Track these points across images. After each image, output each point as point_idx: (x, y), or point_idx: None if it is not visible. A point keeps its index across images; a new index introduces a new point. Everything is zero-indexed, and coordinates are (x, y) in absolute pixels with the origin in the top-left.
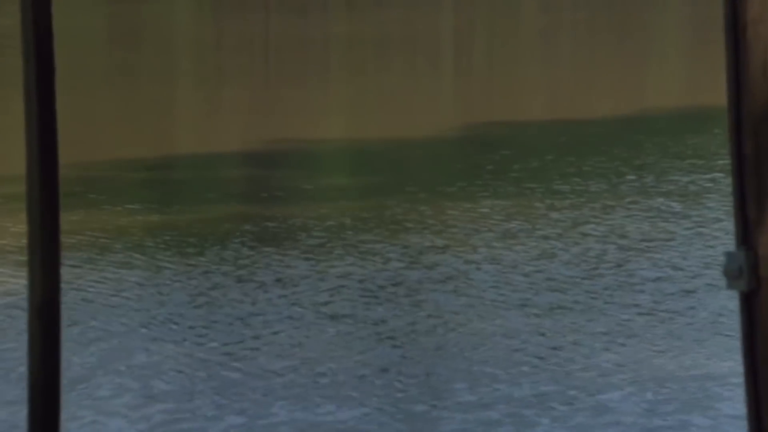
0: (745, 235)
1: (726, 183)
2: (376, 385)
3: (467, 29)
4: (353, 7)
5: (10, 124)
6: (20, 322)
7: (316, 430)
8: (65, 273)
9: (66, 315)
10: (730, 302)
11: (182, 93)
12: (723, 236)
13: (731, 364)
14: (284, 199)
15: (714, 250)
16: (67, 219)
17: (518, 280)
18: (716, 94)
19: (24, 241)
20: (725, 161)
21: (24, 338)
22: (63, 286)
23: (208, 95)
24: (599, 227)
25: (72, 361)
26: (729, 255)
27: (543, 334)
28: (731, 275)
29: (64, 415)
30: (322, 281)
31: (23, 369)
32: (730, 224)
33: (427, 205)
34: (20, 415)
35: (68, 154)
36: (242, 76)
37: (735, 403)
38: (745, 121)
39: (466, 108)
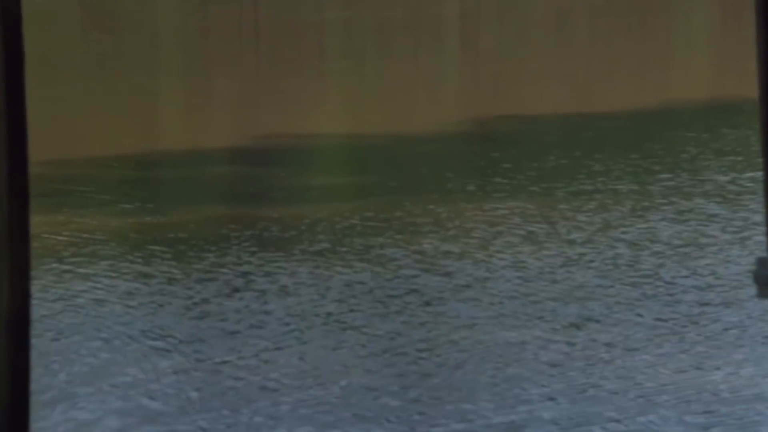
0: None
1: None
2: (388, 405)
3: (475, 14)
4: None
5: None
6: None
7: None
8: (37, 280)
9: (39, 326)
10: None
11: (166, 85)
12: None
13: None
14: (278, 199)
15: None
16: (39, 222)
17: (542, 288)
18: (748, 84)
19: None
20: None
21: None
22: (34, 294)
23: (195, 87)
24: (629, 231)
25: (46, 376)
26: (761, 261)
27: (571, 350)
28: (762, 282)
29: None
30: (323, 290)
31: None
32: None
33: (438, 206)
34: None
35: (41, 150)
36: (231, 66)
37: None
38: None
39: (475, 100)
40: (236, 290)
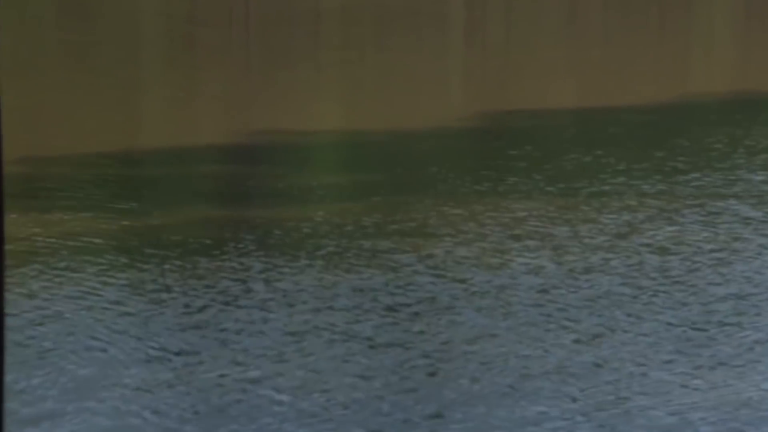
0: None
1: None
2: (399, 420)
3: (482, 2)
4: None
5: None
6: None
7: None
8: (12, 283)
9: (14, 331)
10: None
11: (149, 77)
12: None
13: None
14: (277, 200)
15: None
16: (15, 223)
17: (564, 296)
18: None
19: None
20: None
21: None
22: (9, 297)
23: (180, 80)
24: (657, 234)
25: (24, 388)
26: None
27: (599, 365)
28: None
29: None
30: (328, 298)
31: None
32: None
33: (450, 207)
34: None
35: (17, 148)
36: (219, 57)
37: None
38: None
39: (482, 93)
40: (234, 299)
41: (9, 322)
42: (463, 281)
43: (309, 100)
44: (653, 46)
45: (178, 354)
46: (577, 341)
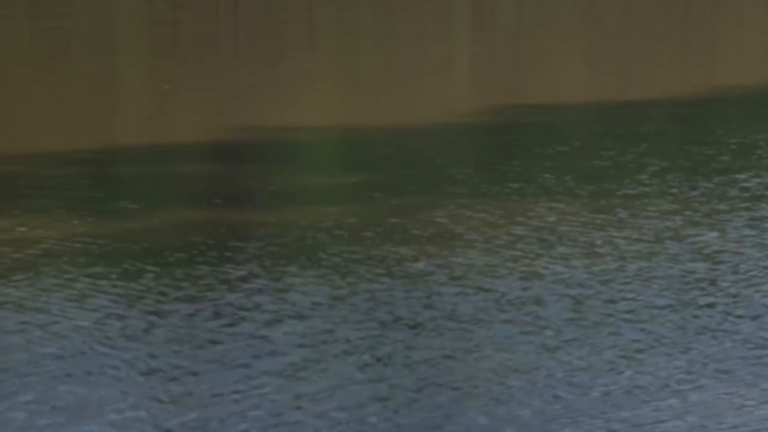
0: None
1: None
2: None
3: None
4: None
5: None
6: None
7: None
8: None
9: None
10: None
11: (129, 70)
12: None
13: None
14: (276, 201)
15: None
16: None
17: (599, 308)
18: None
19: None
20: None
21: None
22: None
23: (162, 72)
24: (700, 240)
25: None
26: None
27: (640, 385)
28: None
29: None
30: (339, 311)
31: None
32: None
33: (468, 210)
34: None
35: None
36: (208, 46)
37: None
38: None
39: (493, 86)
40: (239, 310)
41: None
42: (488, 291)
43: (304, 93)
44: (678, 33)
45: (177, 373)
46: (614, 358)
